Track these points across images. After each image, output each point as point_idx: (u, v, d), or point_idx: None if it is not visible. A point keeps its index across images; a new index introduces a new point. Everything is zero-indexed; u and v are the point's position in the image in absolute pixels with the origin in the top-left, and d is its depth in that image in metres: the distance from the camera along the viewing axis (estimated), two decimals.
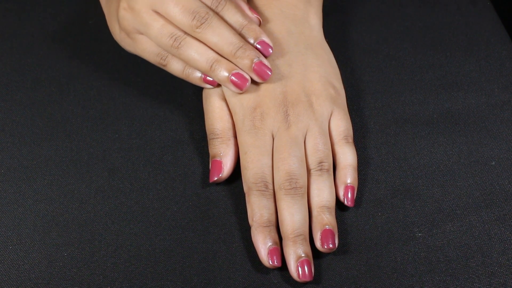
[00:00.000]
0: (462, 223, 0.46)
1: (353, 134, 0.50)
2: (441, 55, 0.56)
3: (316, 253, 0.45)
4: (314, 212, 0.46)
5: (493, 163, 0.49)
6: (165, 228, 0.47)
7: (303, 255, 0.44)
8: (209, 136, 0.49)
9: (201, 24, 0.46)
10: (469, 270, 0.44)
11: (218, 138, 0.48)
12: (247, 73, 0.47)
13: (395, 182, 0.49)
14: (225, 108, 0.49)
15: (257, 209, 0.45)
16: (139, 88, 0.54)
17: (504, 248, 0.45)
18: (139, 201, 0.48)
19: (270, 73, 0.47)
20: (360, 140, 0.51)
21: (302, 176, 0.46)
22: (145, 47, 0.49)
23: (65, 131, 0.52)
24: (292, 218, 0.44)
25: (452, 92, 0.53)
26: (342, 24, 0.58)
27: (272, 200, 0.46)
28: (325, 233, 0.45)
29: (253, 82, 0.48)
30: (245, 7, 0.48)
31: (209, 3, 0.47)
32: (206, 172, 0.49)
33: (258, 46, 0.47)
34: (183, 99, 0.54)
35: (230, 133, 0.49)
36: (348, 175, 0.47)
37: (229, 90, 0.49)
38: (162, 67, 0.49)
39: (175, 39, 0.46)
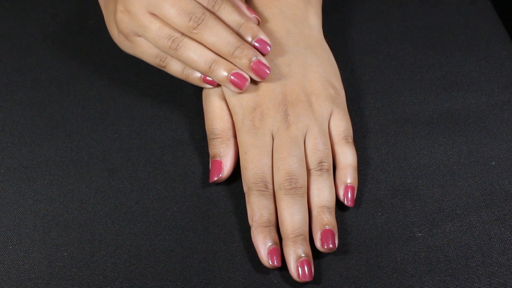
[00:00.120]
0: (462, 223, 0.46)
1: (353, 134, 0.50)
2: (441, 55, 0.56)
3: (316, 253, 0.45)
4: (314, 212, 0.46)
5: (493, 163, 0.49)
6: (165, 228, 0.47)
7: (303, 255, 0.44)
8: (209, 136, 0.49)
9: (198, 25, 0.46)
10: (469, 270, 0.44)
11: (218, 138, 0.48)
12: (246, 73, 0.47)
13: (395, 182, 0.49)
14: (225, 108, 0.49)
15: (257, 209, 0.45)
16: (139, 88, 0.54)
17: (504, 248, 0.45)
18: (139, 201, 0.48)
19: (268, 72, 0.47)
20: (360, 140, 0.51)
21: (302, 176, 0.46)
22: (144, 49, 0.49)
23: (65, 131, 0.52)
24: (292, 218, 0.44)
25: (452, 92, 0.53)
26: (342, 24, 0.58)
27: (272, 200, 0.46)
28: (325, 233, 0.45)
29: (253, 81, 0.48)
30: (243, 7, 0.48)
31: (205, 3, 0.46)
32: (206, 172, 0.49)
33: (256, 45, 0.47)
34: (183, 99, 0.54)
35: (230, 133, 0.49)
36: (348, 175, 0.47)
37: (229, 90, 0.49)
38: (161, 68, 0.49)
39: (172, 41, 0.46)
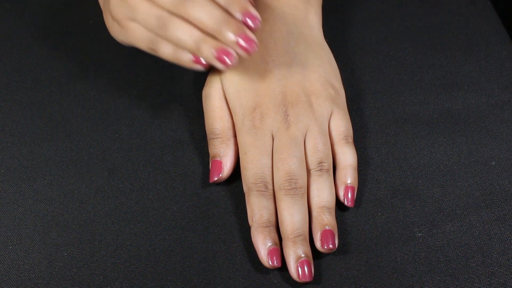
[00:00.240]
0: (462, 223, 0.46)
1: (353, 134, 0.50)
2: (441, 55, 0.56)
3: (316, 253, 0.45)
4: (314, 213, 0.46)
5: (493, 163, 0.49)
6: (165, 228, 0.47)
7: (303, 255, 0.44)
8: (209, 136, 0.49)
9: (185, 1, 0.45)
10: (469, 270, 0.44)
11: (218, 138, 0.48)
12: (232, 49, 0.45)
13: (395, 182, 0.49)
14: (225, 108, 0.49)
15: (257, 210, 0.45)
16: (139, 88, 0.54)
17: (504, 248, 0.45)
18: (139, 201, 0.48)
19: (256, 47, 0.45)
20: (360, 140, 0.51)
21: (302, 176, 0.46)
22: (136, 34, 0.47)
23: (65, 131, 0.52)
24: (292, 218, 0.44)
25: (452, 92, 0.53)
26: (342, 24, 0.58)
27: (272, 200, 0.46)
28: (325, 234, 0.45)
29: (253, 82, 0.48)
30: None
31: None
32: (206, 172, 0.49)
33: (245, 19, 0.45)
34: (183, 99, 0.54)
35: (230, 133, 0.49)
36: (348, 175, 0.47)
37: (229, 90, 0.49)
38: (153, 53, 0.48)
39: (161, 21, 0.45)
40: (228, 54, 0.44)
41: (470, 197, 0.48)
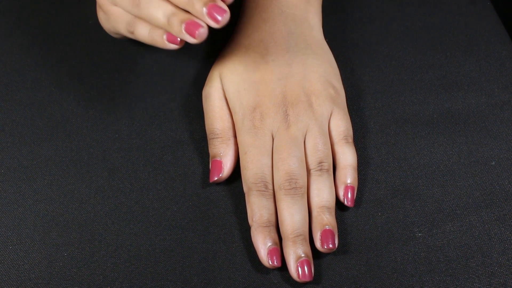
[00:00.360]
0: (462, 223, 0.46)
1: (353, 134, 0.50)
2: (441, 55, 0.56)
3: (316, 253, 0.45)
4: (314, 212, 0.46)
5: (493, 163, 0.49)
6: (165, 228, 0.47)
7: (303, 255, 0.44)
8: (209, 136, 0.49)
9: None
10: (469, 270, 0.44)
11: (218, 138, 0.48)
12: (201, 20, 0.43)
13: (395, 182, 0.49)
14: (225, 107, 0.49)
15: (257, 209, 0.45)
16: (139, 88, 0.54)
17: (504, 248, 0.45)
18: (139, 201, 0.48)
19: (226, 16, 0.43)
20: (360, 140, 0.51)
21: (302, 176, 0.46)
22: (116, 17, 0.47)
23: (65, 131, 0.52)
24: (292, 218, 0.44)
25: (452, 92, 0.53)
26: (342, 24, 0.58)
27: (272, 200, 0.46)
28: (325, 233, 0.45)
29: (253, 81, 0.48)
30: None
31: None
32: (206, 172, 0.49)
33: None
34: (183, 99, 0.54)
35: (230, 133, 0.49)
36: (348, 175, 0.47)
37: (229, 90, 0.49)
38: (132, 36, 0.48)
39: None
40: (196, 25, 0.43)
41: (470, 197, 0.48)
